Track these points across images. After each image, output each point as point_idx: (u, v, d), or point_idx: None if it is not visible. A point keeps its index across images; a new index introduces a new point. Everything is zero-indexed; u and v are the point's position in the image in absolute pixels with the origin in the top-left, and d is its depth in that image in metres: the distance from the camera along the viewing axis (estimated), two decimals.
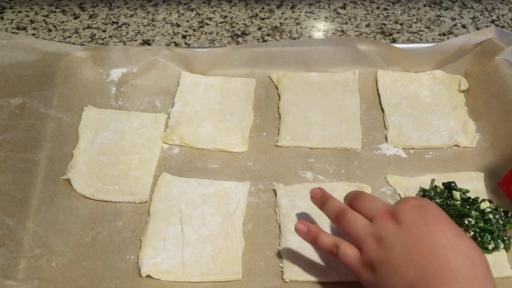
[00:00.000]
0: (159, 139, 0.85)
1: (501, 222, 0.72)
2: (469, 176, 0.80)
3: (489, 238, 0.70)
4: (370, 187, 0.79)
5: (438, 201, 0.74)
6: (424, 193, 0.76)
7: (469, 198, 0.75)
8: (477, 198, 0.75)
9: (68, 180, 0.78)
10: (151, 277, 0.69)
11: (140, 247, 0.72)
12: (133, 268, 0.70)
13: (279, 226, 0.75)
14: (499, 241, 0.71)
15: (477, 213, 0.73)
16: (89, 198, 0.78)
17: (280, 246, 0.73)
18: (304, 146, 0.85)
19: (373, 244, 0.59)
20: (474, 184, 0.79)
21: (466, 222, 0.72)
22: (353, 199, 0.65)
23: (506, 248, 0.71)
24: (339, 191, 0.78)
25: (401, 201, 0.63)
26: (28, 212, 0.73)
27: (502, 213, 0.74)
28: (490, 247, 0.71)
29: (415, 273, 0.55)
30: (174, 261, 0.71)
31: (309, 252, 0.71)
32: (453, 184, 0.76)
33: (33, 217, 0.73)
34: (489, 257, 0.71)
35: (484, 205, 0.73)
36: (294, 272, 0.69)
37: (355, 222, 0.62)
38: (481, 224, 0.71)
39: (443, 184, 0.77)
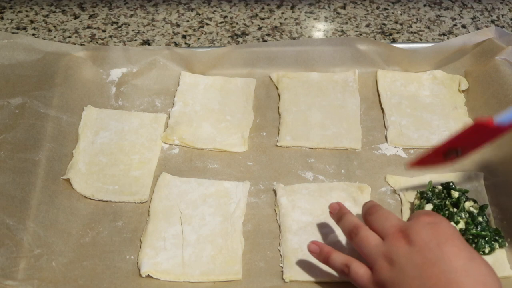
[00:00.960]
0: (159, 139, 0.85)
1: (486, 219, 0.73)
2: (469, 176, 0.80)
3: (483, 243, 0.71)
4: (370, 187, 0.79)
5: (436, 202, 0.74)
6: (421, 195, 0.76)
7: (458, 197, 0.75)
8: (461, 197, 0.75)
9: (68, 180, 0.78)
10: (151, 277, 0.69)
11: (140, 247, 0.72)
12: (133, 268, 0.70)
13: (279, 226, 0.75)
14: (492, 242, 0.71)
15: (467, 216, 0.73)
16: (89, 198, 0.78)
17: (280, 246, 0.73)
18: (304, 146, 0.85)
19: (384, 265, 0.58)
20: (474, 184, 0.79)
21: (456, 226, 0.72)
22: (367, 213, 0.65)
23: (502, 246, 0.72)
24: (339, 191, 0.78)
25: (414, 217, 0.61)
26: (28, 212, 0.73)
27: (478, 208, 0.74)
28: (487, 250, 0.71)
29: None
30: (174, 261, 0.71)
31: (309, 252, 0.71)
32: (451, 184, 0.76)
33: (33, 217, 0.73)
34: (489, 257, 0.71)
35: (468, 204, 0.73)
36: (294, 272, 0.69)
37: (367, 241, 0.61)
38: (474, 231, 0.71)
39: (441, 184, 0.77)
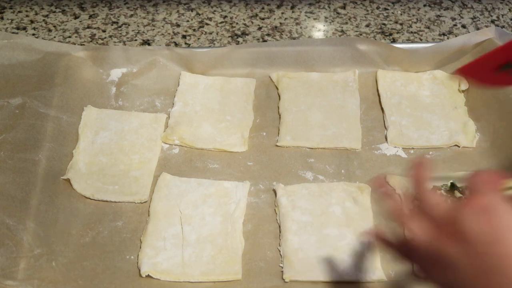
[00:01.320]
0: (159, 139, 0.85)
1: None
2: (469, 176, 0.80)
3: None
4: (370, 187, 0.79)
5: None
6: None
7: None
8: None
9: (68, 180, 0.78)
10: (151, 277, 0.69)
11: (140, 247, 0.72)
12: (133, 268, 0.70)
13: (279, 226, 0.75)
14: None
15: None
16: (89, 198, 0.78)
17: (280, 246, 0.73)
18: (304, 146, 0.85)
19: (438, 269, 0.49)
20: None
21: None
22: (416, 194, 0.54)
23: None
24: (339, 191, 0.78)
25: (468, 197, 0.50)
26: (28, 212, 0.73)
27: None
28: None
29: None
30: (174, 261, 0.71)
31: (309, 252, 0.71)
32: (455, 185, 0.76)
33: (33, 217, 0.73)
34: None
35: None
36: (294, 272, 0.69)
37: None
38: None
39: (446, 190, 0.76)
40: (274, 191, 0.79)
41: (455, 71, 0.68)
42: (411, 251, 0.53)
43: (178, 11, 1.10)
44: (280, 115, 0.89)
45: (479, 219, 0.47)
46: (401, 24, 1.08)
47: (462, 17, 1.10)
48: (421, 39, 1.05)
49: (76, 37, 1.04)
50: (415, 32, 1.06)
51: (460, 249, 0.47)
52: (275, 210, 0.77)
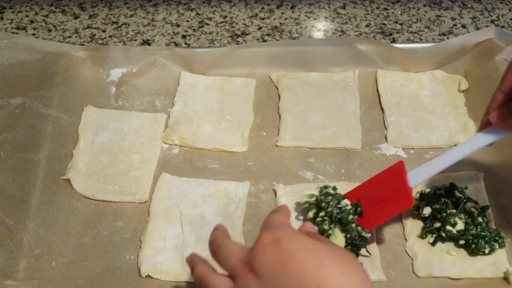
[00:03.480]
0: (159, 139, 0.85)
1: (486, 220, 0.73)
2: (469, 176, 0.80)
3: (483, 244, 0.70)
4: None
5: (437, 206, 0.74)
6: (421, 196, 0.76)
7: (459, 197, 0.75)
8: (460, 198, 0.74)
9: (68, 180, 0.78)
10: (151, 277, 0.69)
11: (140, 247, 0.72)
12: (133, 268, 0.70)
13: None
14: (492, 243, 0.71)
15: (466, 216, 0.72)
16: (89, 198, 0.78)
17: None
18: (304, 146, 0.85)
19: None
20: (474, 184, 0.79)
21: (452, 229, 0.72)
22: (212, 252, 0.57)
23: (502, 246, 0.72)
24: (338, 191, 0.78)
25: (257, 239, 0.53)
26: (28, 212, 0.73)
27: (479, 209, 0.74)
28: (487, 251, 0.71)
29: None
30: (174, 261, 0.71)
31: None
32: (455, 185, 0.76)
33: (33, 217, 0.73)
34: (489, 257, 0.71)
35: (469, 205, 0.73)
36: None
37: (218, 285, 0.54)
38: (473, 232, 0.71)
39: (445, 189, 0.76)
40: (274, 191, 0.79)
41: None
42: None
43: (178, 11, 1.10)
44: (280, 115, 0.89)
45: (267, 251, 0.51)
46: (401, 24, 1.08)
47: (462, 17, 1.10)
48: (421, 39, 1.05)
49: (76, 37, 1.04)
50: (415, 32, 1.06)
51: (257, 283, 0.50)
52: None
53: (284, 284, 0.49)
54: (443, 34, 1.06)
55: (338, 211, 0.70)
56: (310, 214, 0.73)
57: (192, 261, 0.59)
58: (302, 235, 0.53)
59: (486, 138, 0.65)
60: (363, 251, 0.70)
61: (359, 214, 0.71)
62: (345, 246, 0.70)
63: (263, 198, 0.79)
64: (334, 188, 0.73)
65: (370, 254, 0.71)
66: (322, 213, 0.71)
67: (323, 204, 0.71)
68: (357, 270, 0.51)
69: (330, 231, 0.69)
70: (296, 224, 0.75)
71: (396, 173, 0.70)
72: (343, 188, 0.78)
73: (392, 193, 0.69)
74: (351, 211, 0.71)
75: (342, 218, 0.69)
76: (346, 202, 0.71)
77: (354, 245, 0.70)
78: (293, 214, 0.76)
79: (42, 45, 0.92)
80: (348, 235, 0.69)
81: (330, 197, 0.72)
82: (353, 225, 0.70)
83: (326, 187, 0.73)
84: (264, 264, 0.51)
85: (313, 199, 0.73)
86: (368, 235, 0.70)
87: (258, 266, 0.51)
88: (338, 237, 0.69)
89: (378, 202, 0.70)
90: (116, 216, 0.76)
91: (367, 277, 0.51)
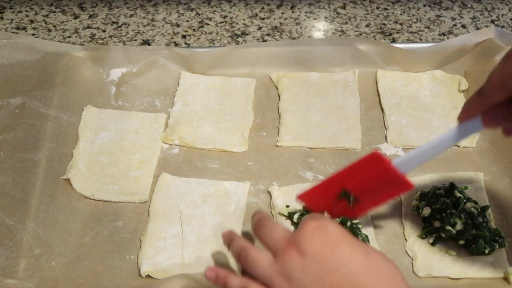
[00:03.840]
0: (159, 139, 0.85)
1: (486, 220, 0.73)
2: (469, 176, 0.80)
3: (483, 244, 0.70)
4: None
5: (437, 206, 0.74)
6: (421, 196, 0.76)
7: (459, 198, 0.75)
8: (460, 198, 0.74)
9: (68, 180, 0.78)
10: (151, 277, 0.69)
11: (140, 247, 0.72)
12: (133, 268, 0.70)
13: None
14: (492, 243, 0.71)
15: (466, 216, 0.72)
16: (89, 198, 0.78)
17: None
18: (304, 146, 0.85)
19: (282, 282, 0.54)
20: (474, 184, 0.79)
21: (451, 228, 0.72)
22: (256, 229, 0.60)
23: (502, 246, 0.72)
24: None
25: (300, 226, 0.57)
26: (28, 212, 0.73)
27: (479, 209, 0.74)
28: (487, 251, 0.71)
29: None
30: (174, 261, 0.71)
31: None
32: (455, 185, 0.76)
33: (33, 217, 0.73)
34: (489, 257, 0.71)
35: (469, 205, 0.73)
36: None
37: (258, 262, 0.56)
38: (473, 232, 0.71)
39: (445, 189, 0.76)
40: (269, 193, 0.79)
41: (297, 196, 0.71)
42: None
43: (178, 11, 1.10)
44: (280, 115, 0.89)
45: (315, 234, 0.55)
46: (401, 24, 1.08)
47: (462, 17, 1.10)
48: (421, 39, 1.05)
49: (76, 37, 1.04)
50: (415, 32, 1.06)
51: (302, 261, 0.53)
52: (271, 212, 0.77)
53: (331, 264, 0.52)
54: (443, 34, 1.06)
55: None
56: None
57: (230, 235, 0.62)
58: (341, 226, 0.58)
59: (476, 127, 0.62)
60: None
61: (354, 201, 0.68)
62: None
63: (263, 198, 0.79)
64: None
65: None
66: None
67: None
68: (391, 262, 0.55)
69: None
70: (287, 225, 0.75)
71: (376, 163, 0.65)
72: None
73: (384, 182, 0.66)
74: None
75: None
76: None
77: None
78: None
79: (42, 45, 0.92)
80: None
81: None
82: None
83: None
84: (312, 244, 0.54)
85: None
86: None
87: (305, 245, 0.54)
88: None
89: (371, 191, 0.67)
90: (116, 216, 0.76)
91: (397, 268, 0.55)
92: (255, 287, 0.56)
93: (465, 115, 0.60)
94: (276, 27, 1.07)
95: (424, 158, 0.63)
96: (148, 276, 0.69)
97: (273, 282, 0.54)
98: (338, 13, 1.11)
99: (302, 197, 0.70)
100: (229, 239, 0.62)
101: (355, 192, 0.67)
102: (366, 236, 0.72)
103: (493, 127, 0.57)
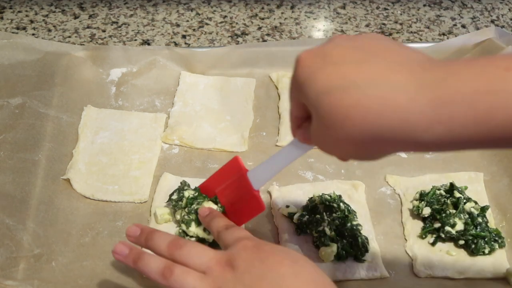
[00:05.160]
0: (159, 139, 0.85)
1: (486, 220, 0.73)
2: (468, 176, 0.80)
3: (483, 244, 0.70)
4: (364, 184, 0.79)
5: (437, 206, 0.74)
6: (421, 196, 0.76)
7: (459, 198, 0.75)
8: (460, 198, 0.74)
9: (68, 180, 0.78)
10: None
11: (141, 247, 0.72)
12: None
13: (277, 228, 0.75)
14: (492, 243, 0.71)
15: (466, 217, 0.72)
16: (89, 198, 0.77)
17: None
18: None
19: None
20: (473, 184, 0.79)
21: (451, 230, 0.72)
22: (173, 248, 0.58)
23: (501, 246, 0.72)
24: (333, 189, 0.78)
25: (233, 246, 0.58)
26: (28, 212, 0.73)
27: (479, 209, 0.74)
28: (486, 251, 0.71)
29: None
30: None
31: (309, 252, 0.71)
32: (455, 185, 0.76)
33: (33, 217, 0.73)
34: (489, 257, 0.71)
35: (469, 205, 0.73)
36: None
37: (187, 277, 0.54)
38: (473, 232, 0.71)
39: (446, 190, 0.76)
40: (269, 193, 0.79)
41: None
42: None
43: (178, 11, 1.10)
44: (280, 115, 0.89)
45: (247, 249, 0.56)
46: (401, 24, 1.08)
47: (462, 17, 1.10)
48: (421, 39, 1.05)
49: (76, 37, 1.04)
50: (415, 32, 1.06)
51: (233, 275, 0.53)
52: (271, 212, 0.77)
53: (261, 273, 0.53)
54: (443, 34, 1.06)
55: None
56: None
57: (132, 251, 0.60)
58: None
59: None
60: None
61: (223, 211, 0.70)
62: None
63: (263, 198, 0.78)
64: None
65: None
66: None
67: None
68: (320, 270, 0.55)
69: None
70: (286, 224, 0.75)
71: (236, 171, 0.67)
72: (338, 186, 0.78)
73: (243, 195, 0.67)
74: None
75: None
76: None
77: None
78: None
79: (42, 45, 0.92)
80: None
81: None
82: None
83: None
84: (243, 258, 0.55)
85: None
86: None
87: (235, 260, 0.54)
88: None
89: (234, 202, 0.68)
90: (116, 216, 0.76)
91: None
92: (181, 272, 0.55)
93: (292, 132, 0.58)
94: (276, 27, 1.07)
95: (272, 173, 0.64)
96: None
97: None
98: (338, 13, 1.11)
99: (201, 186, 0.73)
100: (132, 255, 0.59)
101: (222, 201, 0.69)
102: (366, 238, 0.72)
103: (308, 143, 0.57)
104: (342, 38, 0.48)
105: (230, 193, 0.68)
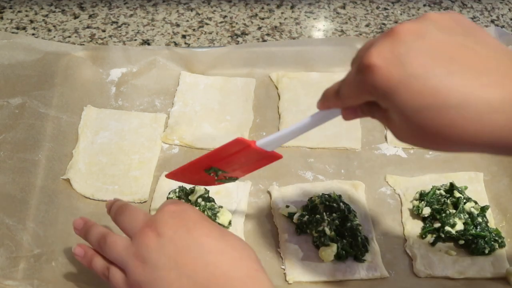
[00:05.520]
0: (158, 139, 0.85)
1: (486, 220, 0.73)
2: (468, 176, 0.80)
3: (483, 244, 0.70)
4: (364, 184, 0.79)
5: (437, 206, 0.74)
6: (421, 196, 0.76)
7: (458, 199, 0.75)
8: (460, 198, 0.74)
9: (68, 180, 0.78)
10: None
11: None
12: None
13: (277, 228, 0.75)
14: (492, 243, 0.71)
15: (466, 216, 0.72)
16: (89, 198, 0.77)
17: (279, 247, 0.73)
18: (304, 146, 0.85)
19: (136, 264, 0.54)
20: (473, 184, 0.79)
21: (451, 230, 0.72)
22: (116, 214, 0.61)
23: (501, 246, 0.72)
24: (333, 189, 0.78)
25: (159, 209, 0.58)
26: (28, 212, 0.73)
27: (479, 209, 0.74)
28: (487, 251, 0.71)
29: (188, 287, 0.51)
30: None
31: (309, 252, 0.71)
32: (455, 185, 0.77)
33: (33, 217, 0.73)
34: (489, 257, 0.71)
35: (469, 205, 0.73)
36: (297, 273, 0.69)
37: (115, 245, 0.57)
38: (473, 232, 0.71)
39: (446, 190, 0.76)
40: (269, 193, 0.79)
41: (166, 175, 0.73)
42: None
43: (177, 11, 1.10)
44: (280, 115, 0.89)
45: (174, 216, 0.56)
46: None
47: None
48: None
49: (76, 37, 1.04)
50: None
51: (158, 241, 0.54)
52: (271, 212, 0.77)
53: (186, 244, 0.53)
54: None
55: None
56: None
57: (86, 224, 0.63)
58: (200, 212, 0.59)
59: (335, 114, 0.60)
60: None
61: (221, 173, 0.68)
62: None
63: (262, 198, 0.79)
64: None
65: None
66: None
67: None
68: (247, 245, 0.57)
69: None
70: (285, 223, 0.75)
71: (241, 146, 0.64)
72: (338, 186, 0.78)
73: (252, 158, 0.65)
74: None
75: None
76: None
77: None
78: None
79: (42, 45, 0.92)
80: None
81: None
82: None
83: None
84: (168, 226, 0.54)
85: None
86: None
87: (161, 227, 0.54)
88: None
89: (240, 165, 0.67)
90: None
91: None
92: (114, 270, 0.57)
93: (323, 107, 0.59)
94: (276, 27, 1.07)
95: (284, 140, 0.62)
96: None
97: (127, 264, 0.55)
98: (338, 13, 1.11)
99: (170, 175, 0.70)
100: (85, 228, 0.62)
101: (223, 168, 0.67)
102: (366, 238, 0.72)
103: (352, 119, 0.56)
104: (408, 33, 0.44)
105: (236, 161, 0.66)
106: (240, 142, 0.62)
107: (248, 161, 0.65)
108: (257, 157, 0.64)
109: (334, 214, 0.72)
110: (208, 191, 0.75)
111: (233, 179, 0.69)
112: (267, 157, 0.64)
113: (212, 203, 0.74)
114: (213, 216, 0.72)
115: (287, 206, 0.75)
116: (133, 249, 0.55)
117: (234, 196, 0.77)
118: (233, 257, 0.53)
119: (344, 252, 0.70)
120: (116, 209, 0.61)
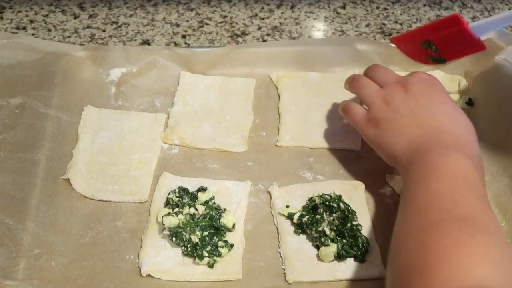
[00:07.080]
0: (158, 139, 0.85)
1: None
2: None
3: None
4: (363, 184, 0.79)
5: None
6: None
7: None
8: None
9: (68, 180, 0.78)
10: (151, 276, 0.69)
11: (141, 247, 0.72)
12: (133, 268, 0.70)
13: (277, 228, 0.75)
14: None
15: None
16: (89, 198, 0.77)
17: (279, 248, 0.73)
18: (303, 146, 0.85)
19: (381, 105, 0.71)
20: None
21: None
22: (369, 70, 0.77)
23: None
24: (333, 189, 0.78)
25: (411, 74, 0.72)
26: (28, 212, 0.73)
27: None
28: None
29: (416, 132, 0.66)
30: (175, 260, 0.71)
31: (309, 252, 0.71)
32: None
33: (32, 217, 0.73)
34: None
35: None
36: (297, 273, 0.69)
37: (367, 86, 0.74)
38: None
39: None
40: (269, 193, 0.79)
41: (391, 38, 0.91)
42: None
43: (177, 11, 1.10)
44: (280, 115, 0.89)
45: (421, 80, 0.71)
46: (401, 24, 1.08)
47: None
48: None
49: (76, 37, 1.04)
50: None
51: (404, 94, 0.70)
52: (271, 212, 0.77)
53: (425, 102, 0.69)
54: None
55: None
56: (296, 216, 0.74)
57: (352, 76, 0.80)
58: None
59: None
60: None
61: (435, 50, 0.86)
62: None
63: (262, 198, 0.79)
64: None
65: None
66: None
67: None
68: (472, 127, 0.69)
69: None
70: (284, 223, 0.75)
71: (455, 24, 0.80)
72: (338, 186, 0.78)
73: (461, 41, 0.81)
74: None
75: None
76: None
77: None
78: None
79: (42, 45, 0.92)
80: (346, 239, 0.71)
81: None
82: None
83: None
84: (416, 86, 0.70)
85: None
86: None
87: (410, 85, 0.71)
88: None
89: (449, 45, 0.84)
90: (116, 216, 0.76)
91: None
92: (356, 105, 0.76)
93: None
94: (276, 27, 1.07)
95: (496, 27, 0.75)
96: (149, 275, 0.69)
97: (374, 102, 0.72)
98: (338, 13, 1.11)
99: (395, 39, 0.90)
100: (350, 78, 0.80)
101: (436, 44, 0.83)
102: (366, 238, 0.72)
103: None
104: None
105: (447, 41, 0.82)
106: (455, 18, 0.77)
107: (457, 43, 0.81)
108: (465, 41, 0.79)
109: (334, 214, 0.72)
110: (213, 197, 0.75)
111: (442, 59, 0.85)
112: (473, 45, 0.79)
113: (218, 204, 0.74)
114: (218, 216, 0.72)
115: (287, 206, 0.75)
116: (383, 93, 0.72)
117: (234, 196, 0.77)
118: (459, 123, 0.67)
119: (344, 252, 0.70)
120: (369, 67, 0.78)
